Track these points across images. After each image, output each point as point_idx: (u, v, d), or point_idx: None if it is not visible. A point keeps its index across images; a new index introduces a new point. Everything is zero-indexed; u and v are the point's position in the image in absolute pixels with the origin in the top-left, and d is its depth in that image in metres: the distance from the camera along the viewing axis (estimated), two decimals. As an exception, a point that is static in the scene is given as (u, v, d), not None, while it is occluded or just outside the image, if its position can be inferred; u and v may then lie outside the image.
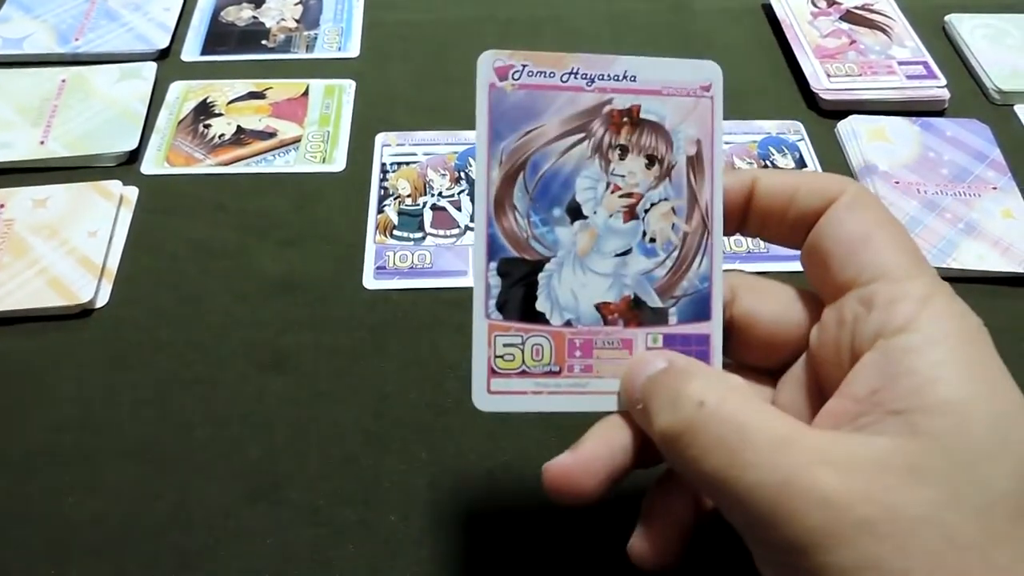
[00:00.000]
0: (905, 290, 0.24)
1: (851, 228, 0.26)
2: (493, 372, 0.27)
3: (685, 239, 0.28)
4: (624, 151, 0.28)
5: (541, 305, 0.28)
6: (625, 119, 0.28)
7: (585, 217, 0.28)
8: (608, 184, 0.28)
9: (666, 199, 0.28)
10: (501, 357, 0.27)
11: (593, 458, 0.26)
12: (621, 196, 0.28)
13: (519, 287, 0.28)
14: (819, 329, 0.27)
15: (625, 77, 0.28)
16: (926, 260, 0.26)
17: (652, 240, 0.28)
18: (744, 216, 0.28)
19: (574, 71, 0.28)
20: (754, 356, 0.29)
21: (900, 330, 0.23)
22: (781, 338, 0.28)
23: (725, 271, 0.28)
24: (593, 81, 0.28)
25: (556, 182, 0.28)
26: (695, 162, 0.28)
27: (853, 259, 0.25)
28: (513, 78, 0.27)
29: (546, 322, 0.28)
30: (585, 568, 0.35)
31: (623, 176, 0.28)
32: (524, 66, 0.27)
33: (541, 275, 0.28)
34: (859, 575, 0.20)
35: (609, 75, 0.28)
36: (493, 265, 0.27)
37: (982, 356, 0.23)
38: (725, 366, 0.29)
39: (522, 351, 0.28)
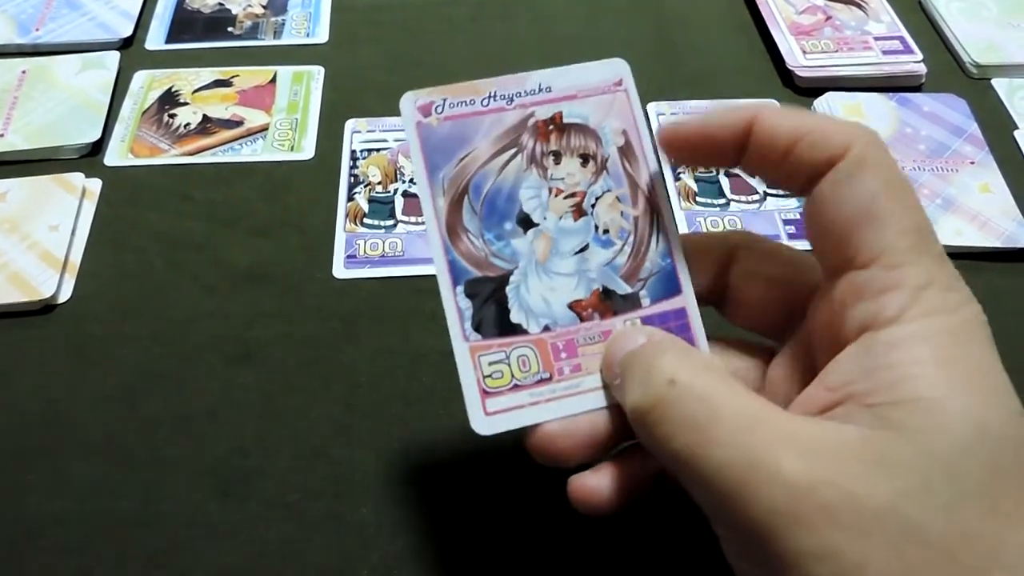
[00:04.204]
0: (899, 278, 0.23)
1: (853, 198, 0.23)
2: (485, 393, 0.27)
3: (637, 223, 0.29)
4: (557, 156, 0.29)
5: (516, 317, 0.28)
6: (551, 127, 0.29)
7: (536, 224, 0.28)
8: (550, 189, 0.29)
9: (609, 190, 0.29)
10: (490, 376, 0.27)
11: (573, 424, 0.27)
12: (565, 197, 0.29)
13: (490, 304, 0.28)
14: (814, 306, 0.26)
15: (541, 90, 0.29)
16: (933, 235, 0.24)
17: (606, 231, 0.29)
18: (739, 153, 0.26)
19: (492, 94, 0.28)
20: (753, 320, 0.29)
21: (888, 323, 0.23)
22: (779, 302, 0.28)
23: (730, 230, 0.29)
24: (512, 99, 0.29)
25: (501, 198, 0.28)
26: (626, 150, 0.29)
27: (852, 236, 0.23)
28: (437, 112, 0.28)
29: (524, 332, 0.28)
30: (561, 560, 0.34)
31: (562, 179, 0.29)
32: (444, 99, 0.28)
33: (508, 288, 0.28)
34: (818, 562, 0.20)
35: (525, 91, 0.29)
36: (459, 289, 0.28)
37: (969, 352, 0.22)
38: (718, 336, 0.29)
39: (508, 365, 0.28)
